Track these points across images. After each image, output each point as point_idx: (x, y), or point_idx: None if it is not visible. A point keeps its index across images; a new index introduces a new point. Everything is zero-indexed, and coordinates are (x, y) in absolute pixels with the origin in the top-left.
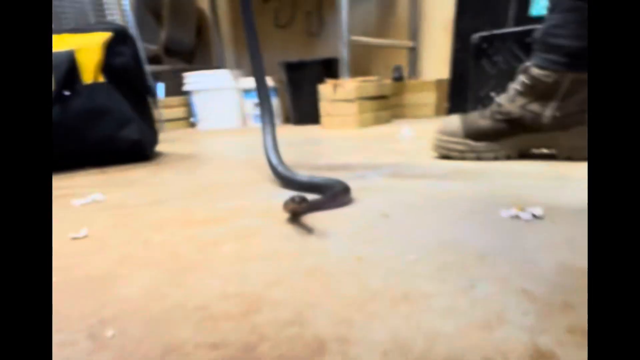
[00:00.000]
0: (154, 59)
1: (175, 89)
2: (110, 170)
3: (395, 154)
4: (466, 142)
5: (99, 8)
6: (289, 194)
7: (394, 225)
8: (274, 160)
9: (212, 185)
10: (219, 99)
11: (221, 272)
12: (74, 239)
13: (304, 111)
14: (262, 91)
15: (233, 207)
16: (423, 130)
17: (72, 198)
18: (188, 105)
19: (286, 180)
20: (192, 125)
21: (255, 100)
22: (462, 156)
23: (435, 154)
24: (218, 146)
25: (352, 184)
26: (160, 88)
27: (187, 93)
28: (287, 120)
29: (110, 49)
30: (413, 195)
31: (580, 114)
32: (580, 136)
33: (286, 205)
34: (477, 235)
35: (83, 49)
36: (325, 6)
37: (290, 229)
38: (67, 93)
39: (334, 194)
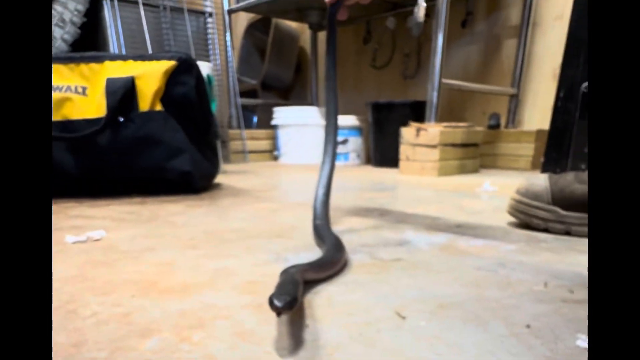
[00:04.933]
0: (250, 93)
1: (267, 122)
2: (150, 201)
3: (465, 213)
4: (554, 210)
5: (203, 44)
6: (298, 259)
7: (403, 338)
8: (317, 213)
9: (229, 232)
10: (303, 135)
11: None
12: None
13: (386, 154)
14: (329, 135)
15: (221, 269)
16: (510, 186)
17: (74, 232)
18: (274, 139)
19: (317, 235)
20: (275, 158)
21: (339, 138)
22: (545, 226)
23: (513, 220)
24: (286, 183)
25: (388, 251)
26: (254, 120)
27: (275, 127)
28: (368, 161)
29: (172, 78)
30: (457, 284)
31: None
32: None
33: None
34: None
35: (144, 75)
36: (425, 49)
37: (261, 322)
38: (120, 119)
39: (319, 265)
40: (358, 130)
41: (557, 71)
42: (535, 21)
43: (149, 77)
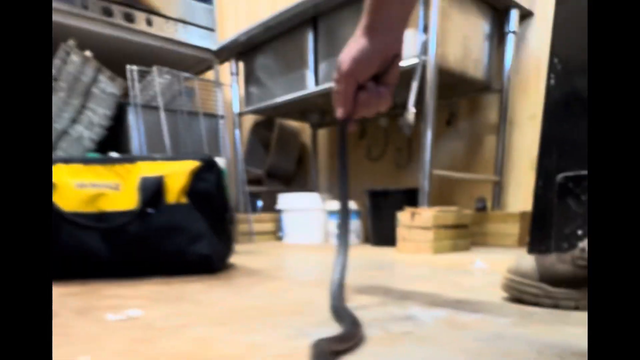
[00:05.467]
0: (256, 181)
1: (272, 206)
2: (173, 281)
3: (461, 290)
4: (541, 286)
5: (215, 140)
6: (320, 334)
7: None
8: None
9: (250, 310)
10: (305, 217)
11: None
12: None
13: (383, 234)
14: (343, 224)
15: (252, 343)
16: (500, 262)
17: (113, 311)
18: (278, 221)
19: (335, 312)
20: (279, 238)
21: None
22: (536, 301)
23: (506, 295)
24: (293, 262)
25: (397, 325)
26: (259, 204)
27: (279, 211)
28: (367, 240)
29: (196, 175)
30: (461, 355)
31: None
32: None
33: None
34: None
35: (172, 174)
36: (415, 143)
37: None
38: (150, 211)
39: (343, 337)
40: (357, 213)
41: (534, 161)
42: (511, 120)
43: (176, 175)
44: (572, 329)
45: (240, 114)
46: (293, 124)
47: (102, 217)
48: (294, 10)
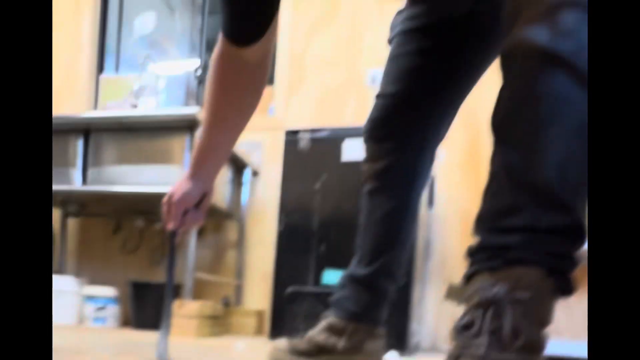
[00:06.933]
0: None
1: None
2: None
3: None
4: (292, 357)
5: None
6: None
7: None
8: None
9: None
10: (60, 300)
11: None
12: None
13: (145, 320)
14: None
15: None
16: (251, 345)
17: None
18: None
19: None
20: None
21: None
22: None
23: None
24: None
25: None
26: None
27: None
28: (126, 324)
29: None
30: None
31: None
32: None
33: None
34: None
35: None
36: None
37: None
38: None
39: None
40: (115, 298)
41: (263, 273)
42: (247, 241)
43: None
44: None
45: None
46: None
47: None
48: (69, 120)
